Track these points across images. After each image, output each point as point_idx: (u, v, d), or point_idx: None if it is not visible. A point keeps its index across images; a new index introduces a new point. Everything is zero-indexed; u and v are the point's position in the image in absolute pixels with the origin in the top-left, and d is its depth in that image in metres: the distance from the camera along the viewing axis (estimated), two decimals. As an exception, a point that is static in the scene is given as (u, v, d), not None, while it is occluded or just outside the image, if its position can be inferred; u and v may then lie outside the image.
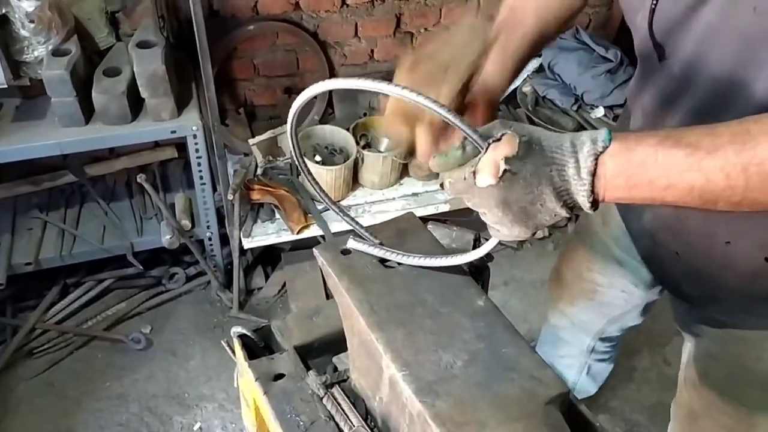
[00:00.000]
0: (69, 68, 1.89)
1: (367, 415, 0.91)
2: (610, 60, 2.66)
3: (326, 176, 2.26)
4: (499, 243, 0.81)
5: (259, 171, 2.41)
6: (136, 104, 2.02)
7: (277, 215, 2.35)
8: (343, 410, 0.90)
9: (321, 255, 0.92)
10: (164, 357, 2.31)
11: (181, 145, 2.40)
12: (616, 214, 1.30)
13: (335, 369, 1.00)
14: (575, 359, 1.75)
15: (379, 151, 2.43)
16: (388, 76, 0.82)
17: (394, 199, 2.42)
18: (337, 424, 0.89)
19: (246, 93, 2.70)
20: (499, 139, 0.71)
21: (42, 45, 1.94)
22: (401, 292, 0.87)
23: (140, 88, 1.99)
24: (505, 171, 0.69)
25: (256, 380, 0.94)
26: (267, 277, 2.57)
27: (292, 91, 2.70)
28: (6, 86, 1.96)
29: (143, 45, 2.02)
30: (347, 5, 2.57)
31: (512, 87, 2.74)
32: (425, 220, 1.03)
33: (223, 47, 2.46)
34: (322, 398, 0.91)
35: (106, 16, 2.14)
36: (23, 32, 1.90)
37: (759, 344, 1.11)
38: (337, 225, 2.27)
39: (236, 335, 1.01)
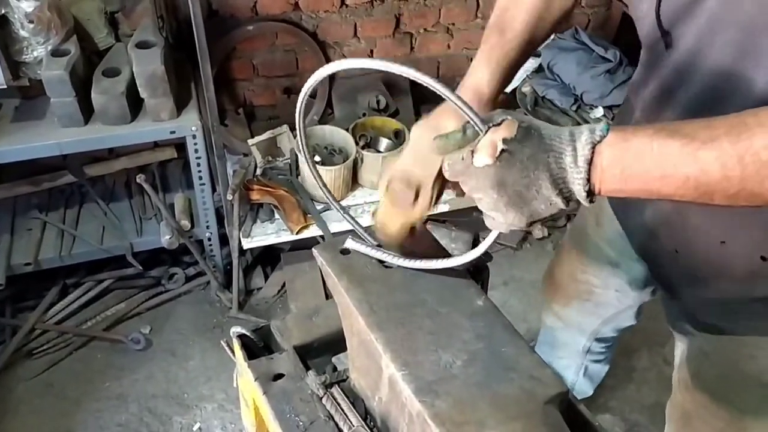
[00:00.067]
0: (68, 68, 1.89)
1: (366, 414, 0.91)
2: (610, 60, 2.66)
3: (326, 176, 2.27)
4: (499, 243, 0.81)
5: (259, 171, 2.42)
6: (135, 104, 2.02)
7: (277, 215, 2.35)
8: (342, 410, 0.90)
9: (320, 255, 0.92)
10: (164, 357, 2.31)
11: (180, 146, 2.40)
12: (609, 214, 1.30)
13: (335, 369, 1.00)
14: (572, 360, 1.75)
15: (379, 151, 2.43)
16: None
17: (393, 199, 2.42)
18: (337, 424, 0.89)
19: (245, 93, 2.71)
20: (499, 124, 0.72)
21: (41, 45, 1.94)
22: (400, 292, 0.87)
23: (139, 89, 1.99)
24: (502, 151, 0.70)
25: (255, 380, 0.94)
26: (266, 277, 2.57)
27: (292, 92, 2.71)
28: (5, 87, 1.96)
29: (142, 45, 2.02)
30: (346, 5, 2.57)
31: (511, 87, 2.75)
32: (424, 220, 1.03)
33: (223, 47, 2.47)
34: (321, 398, 0.91)
35: (105, 17, 2.15)
36: (22, 33, 1.90)
37: (752, 344, 1.11)
38: (337, 225, 2.27)
39: (236, 335, 1.01)
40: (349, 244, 0.92)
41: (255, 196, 2.32)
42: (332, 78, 2.64)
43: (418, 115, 2.74)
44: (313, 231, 2.31)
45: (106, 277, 2.45)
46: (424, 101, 2.70)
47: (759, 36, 0.79)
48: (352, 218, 0.97)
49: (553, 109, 2.72)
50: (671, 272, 1.17)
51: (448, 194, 0.87)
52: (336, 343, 0.99)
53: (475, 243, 1.05)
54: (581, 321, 1.61)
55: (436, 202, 0.86)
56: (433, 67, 2.88)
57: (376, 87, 2.63)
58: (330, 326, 1.02)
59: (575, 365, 1.77)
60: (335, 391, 0.93)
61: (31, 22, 1.89)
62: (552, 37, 2.75)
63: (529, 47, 1.02)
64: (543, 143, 0.71)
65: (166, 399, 2.19)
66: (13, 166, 2.11)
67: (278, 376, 0.94)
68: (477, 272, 0.98)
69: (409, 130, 2.43)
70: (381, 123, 2.51)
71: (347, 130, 2.39)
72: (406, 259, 0.89)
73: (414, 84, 0.91)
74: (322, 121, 2.66)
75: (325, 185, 0.98)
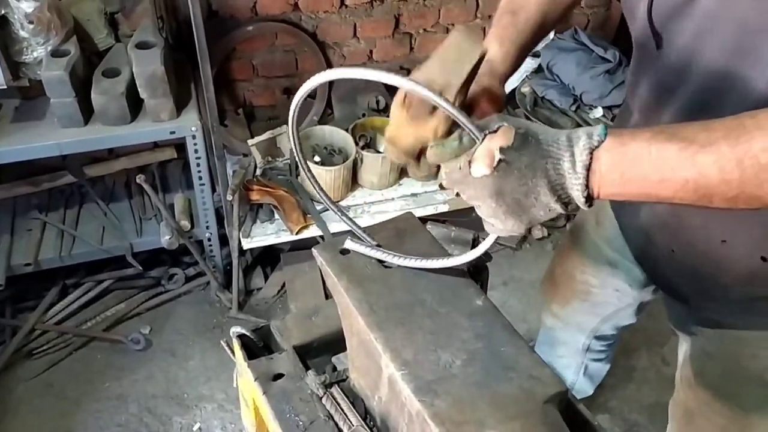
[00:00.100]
0: (68, 69, 1.89)
1: (366, 414, 0.92)
2: (609, 60, 2.66)
3: (325, 177, 2.27)
4: (499, 243, 0.81)
5: (258, 171, 2.42)
6: (135, 105, 2.03)
7: (276, 216, 2.35)
8: (342, 410, 0.90)
9: (320, 255, 0.92)
10: (163, 357, 2.31)
11: (180, 146, 2.40)
12: (609, 213, 1.30)
13: (334, 369, 1.01)
14: (572, 359, 1.75)
15: (378, 152, 2.43)
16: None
17: (393, 199, 2.42)
18: (336, 424, 0.89)
19: (245, 93, 2.71)
20: (495, 131, 0.71)
21: (41, 46, 1.94)
22: (400, 291, 0.87)
23: (139, 89, 1.99)
24: (500, 161, 0.70)
25: (255, 380, 0.94)
26: (266, 277, 2.57)
27: (291, 92, 2.71)
28: (5, 87, 1.95)
29: (142, 46, 2.02)
30: (346, 6, 2.57)
31: (511, 87, 2.75)
32: (424, 220, 1.03)
33: (222, 48, 2.47)
34: (321, 398, 0.92)
35: (105, 17, 2.15)
36: (22, 33, 1.90)
37: (754, 342, 1.11)
38: (337, 225, 2.27)
39: (235, 335, 1.01)
40: (349, 244, 0.92)
41: (255, 196, 2.32)
42: (332, 78, 2.64)
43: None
44: (313, 231, 2.31)
45: (106, 278, 2.45)
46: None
47: (755, 34, 0.79)
48: (350, 219, 0.97)
49: (553, 110, 2.73)
50: (669, 272, 1.17)
51: (447, 194, 0.87)
52: (336, 343, 0.99)
53: (474, 243, 1.05)
54: (580, 320, 1.62)
55: (455, 122, 0.76)
56: (433, 68, 2.88)
57: (376, 87, 2.63)
58: (330, 326, 1.02)
59: (575, 364, 1.77)
60: (335, 390, 0.93)
61: (31, 22, 1.89)
62: (551, 37, 2.75)
63: (541, 30, 1.02)
64: (540, 149, 0.70)
65: (165, 399, 2.19)
66: (12, 166, 2.11)
67: (278, 376, 0.95)
68: (476, 272, 0.98)
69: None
70: (381, 123, 2.51)
71: (347, 130, 2.39)
72: (405, 259, 0.89)
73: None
74: (322, 121, 2.66)
75: (321, 188, 0.98)
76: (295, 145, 0.89)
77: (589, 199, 0.71)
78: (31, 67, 1.98)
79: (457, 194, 0.81)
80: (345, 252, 0.92)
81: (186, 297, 2.50)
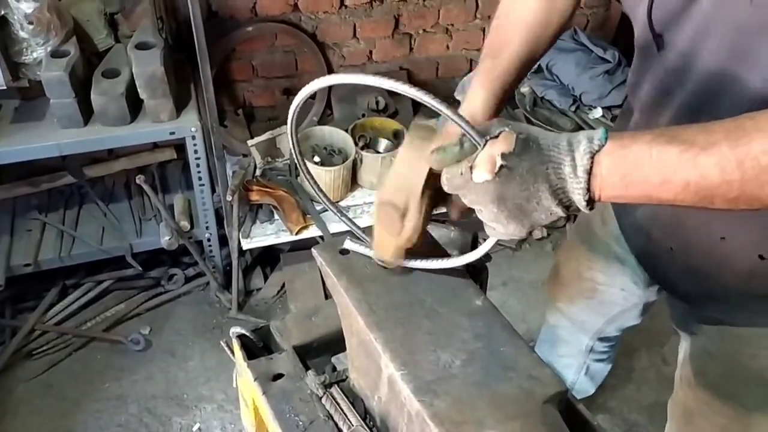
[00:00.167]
0: (68, 70, 1.89)
1: (365, 414, 0.92)
2: (608, 61, 2.66)
3: (325, 177, 2.27)
4: (498, 243, 0.81)
5: (258, 172, 2.42)
6: (134, 105, 2.03)
7: (276, 216, 2.35)
8: (341, 410, 0.90)
9: (320, 255, 0.92)
10: (163, 358, 2.31)
11: (179, 147, 2.40)
12: (612, 213, 1.31)
13: (334, 369, 1.01)
14: (574, 359, 1.75)
15: (378, 152, 2.44)
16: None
17: (392, 199, 2.42)
18: (336, 424, 0.89)
19: (245, 94, 2.71)
20: (496, 136, 0.72)
21: (41, 46, 1.94)
22: (400, 291, 0.87)
23: (139, 90, 1.99)
24: (501, 167, 0.70)
25: (255, 380, 0.94)
26: (266, 277, 2.57)
27: (291, 92, 2.71)
28: (5, 87, 1.95)
29: (142, 46, 2.02)
30: (346, 6, 2.57)
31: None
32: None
33: (222, 48, 2.47)
34: (320, 398, 0.92)
35: (104, 18, 2.15)
36: (22, 34, 1.90)
37: (755, 342, 1.11)
38: (336, 226, 2.27)
39: (235, 335, 1.01)
40: (348, 244, 0.92)
41: (254, 196, 2.32)
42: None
43: (417, 116, 2.75)
44: (313, 231, 2.31)
45: (105, 278, 2.45)
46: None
47: (751, 37, 0.79)
48: (350, 219, 0.97)
49: (552, 110, 2.73)
50: (669, 271, 1.17)
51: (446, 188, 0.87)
52: (335, 343, 0.99)
53: (474, 243, 1.05)
54: (585, 319, 1.61)
55: (426, 224, 0.86)
56: (432, 68, 2.89)
57: (376, 88, 2.61)
58: (329, 326, 1.02)
59: (577, 364, 1.77)
60: (334, 390, 0.93)
61: (30, 23, 1.89)
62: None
63: (526, 65, 1.04)
64: (541, 154, 0.70)
65: (165, 400, 2.19)
66: (12, 167, 2.12)
67: (278, 376, 0.95)
68: (476, 272, 0.98)
69: (409, 130, 2.45)
70: (380, 124, 2.51)
71: (346, 130, 2.39)
72: (405, 260, 0.89)
73: (413, 85, 0.91)
74: (322, 121, 2.67)
75: (320, 189, 0.98)
76: (293, 147, 0.90)
77: (590, 202, 0.71)
78: (30, 67, 1.98)
79: (453, 215, 0.82)
80: (344, 252, 0.92)
81: (186, 297, 2.50)
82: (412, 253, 0.89)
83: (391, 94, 2.65)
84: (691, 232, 1.04)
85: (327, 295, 2.38)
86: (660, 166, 0.68)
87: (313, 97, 2.67)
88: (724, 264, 1.03)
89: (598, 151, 0.69)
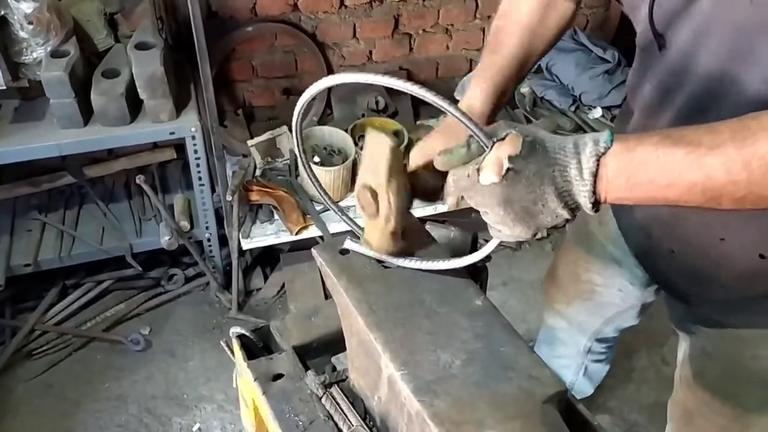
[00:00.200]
0: (68, 70, 1.89)
1: (365, 414, 0.92)
2: (608, 61, 2.67)
3: (325, 177, 2.27)
4: (499, 244, 0.81)
5: (258, 172, 2.42)
6: (134, 106, 2.03)
7: (276, 216, 2.35)
8: (341, 410, 0.90)
9: (319, 255, 0.92)
10: (163, 358, 2.31)
11: (179, 147, 2.41)
12: (611, 213, 1.31)
13: (334, 369, 1.01)
14: (572, 360, 1.75)
15: (378, 152, 2.43)
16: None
17: (392, 199, 2.42)
18: (336, 424, 0.89)
19: (244, 94, 2.71)
20: (503, 139, 0.72)
21: (41, 46, 1.94)
22: (400, 291, 0.87)
23: (139, 90, 1.99)
24: (508, 170, 0.70)
25: (255, 380, 0.94)
26: (266, 278, 2.57)
27: (291, 92, 2.71)
28: (5, 88, 1.96)
29: (142, 46, 2.02)
30: (345, 6, 2.57)
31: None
32: (423, 220, 1.03)
33: (222, 48, 2.47)
34: (320, 398, 0.92)
35: (104, 18, 2.15)
36: (22, 34, 1.90)
37: (755, 342, 1.11)
38: (336, 225, 2.27)
39: (235, 336, 1.01)
40: (348, 244, 0.92)
41: (254, 196, 2.32)
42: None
43: (417, 116, 2.75)
44: (313, 231, 2.31)
45: (105, 278, 2.45)
46: (422, 102, 2.69)
47: (752, 36, 0.79)
48: (350, 219, 0.98)
49: (552, 110, 2.73)
50: (669, 271, 1.17)
51: (448, 203, 0.87)
52: (335, 343, 0.99)
53: (474, 243, 1.05)
54: (583, 320, 1.61)
55: (408, 207, 0.86)
56: (432, 68, 2.89)
57: (376, 88, 2.63)
58: (329, 326, 1.02)
59: (575, 365, 1.77)
60: (334, 390, 0.93)
61: (30, 23, 1.89)
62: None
63: (525, 64, 1.04)
64: (547, 157, 0.71)
65: (165, 400, 2.19)
66: (12, 167, 2.12)
67: (278, 377, 0.95)
68: (476, 272, 0.98)
69: (408, 130, 2.45)
70: (380, 124, 2.51)
71: (346, 130, 2.39)
72: (405, 260, 0.89)
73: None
74: (321, 121, 2.66)
75: (322, 188, 0.98)
76: (298, 146, 0.90)
77: (596, 204, 0.72)
78: (30, 67, 1.98)
79: (449, 206, 0.82)
80: (344, 252, 0.92)
81: (185, 297, 2.50)
82: (412, 253, 0.89)
83: (391, 94, 2.66)
84: (690, 233, 1.04)
85: (327, 295, 2.38)
86: (666, 168, 0.68)
87: (313, 97, 2.68)
88: (724, 264, 1.03)
89: (604, 154, 0.70)
